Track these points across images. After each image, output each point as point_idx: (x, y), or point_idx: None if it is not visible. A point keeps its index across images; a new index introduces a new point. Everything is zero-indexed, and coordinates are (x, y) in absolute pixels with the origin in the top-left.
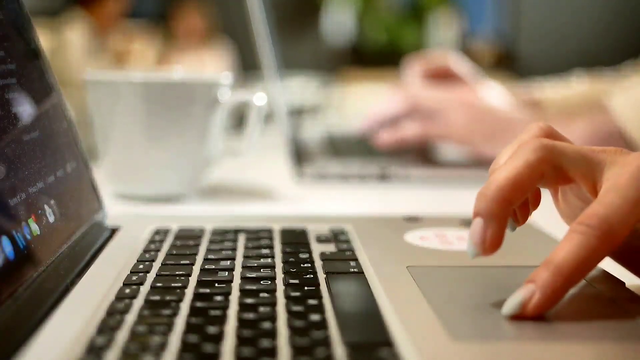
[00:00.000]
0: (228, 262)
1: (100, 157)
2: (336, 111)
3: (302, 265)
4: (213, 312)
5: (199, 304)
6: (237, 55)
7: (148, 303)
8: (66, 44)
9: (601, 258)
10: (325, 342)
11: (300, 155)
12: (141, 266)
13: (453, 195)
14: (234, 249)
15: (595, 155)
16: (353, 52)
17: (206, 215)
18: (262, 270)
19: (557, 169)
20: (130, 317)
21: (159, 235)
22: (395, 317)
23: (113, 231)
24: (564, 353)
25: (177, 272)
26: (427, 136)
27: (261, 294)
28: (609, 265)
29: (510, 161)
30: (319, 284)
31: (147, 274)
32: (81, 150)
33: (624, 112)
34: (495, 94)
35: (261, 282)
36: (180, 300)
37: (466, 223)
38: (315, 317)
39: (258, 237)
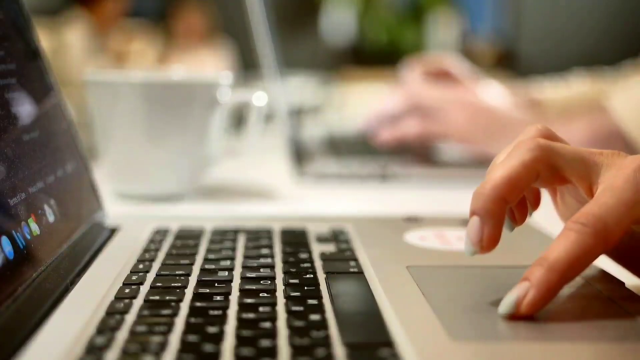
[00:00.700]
0: (228, 262)
1: (100, 157)
2: (336, 111)
3: (302, 265)
4: (213, 312)
5: (198, 304)
6: (237, 54)
7: (148, 303)
8: (66, 45)
9: (595, 257)
10: (325, 342)
11: (300, 154)
12: (141, 266)
13: (453, 195)
14: (233, 249)
15: (592, 157)
16: (353, 52)
17: (206, 215)
18: (262, 270)
19: (552, 169)
20: (130, 317)
21: (159, 235)
22: (394, 317)
23: (113, 231)
24: (564, 353)
25: (177, 272)
26: (428, 134)
27: (261, 294)
28: (608, 265)
29: (506, 160)
30: (318, 284)
31: (147, 274)
32: (81, 150)
33: (623, 113)
34: (494, 93)
35: (261, 282)
36: (180, 300)
37: (466, 223)
38: (315, 317)
39: (258, 237)
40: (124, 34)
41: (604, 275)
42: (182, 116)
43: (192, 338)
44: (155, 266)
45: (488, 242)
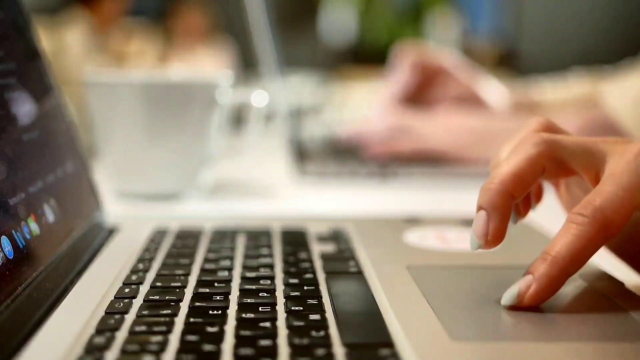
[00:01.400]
0: (228, 262)
1: (100, 156)
2: (337, 110)
3: (301, 265)
4: (212, 312)
5: (198, 304)
6: (238, 54)
7: (147, 302)
8: (66, 46)
9: (598, 247)
10: (325, 342)
11: (300, 154)
12: (141, 266)
13: (453, 195)
14: (233, 249)
15: (596, 146)
16: (353, 51)
17: (206, 214)
18: (261, 270)
19: (558, 162)
20: (130, 317)
21: (159, 234)
22: (394, 317)
23: (113, 231)
24: (564, 353)
25: (176, 272)
26: (420, 151)
27: (261, 294)
28: (607, 265)
29: (512, 156)
30: (318, 284)
31: (147, 274)
32: (80, 149)
33: (617, 105)
34: (492, 91)
35: (261, 281)
36: (179, 299)
37: (466, 223)
38: (314, 316)
39: (258, 237)
40: (124, 33)
41: (604, 275)
42: (182, 116)
43: (191, 338)
44: (155, 266)
45: (494, 236)
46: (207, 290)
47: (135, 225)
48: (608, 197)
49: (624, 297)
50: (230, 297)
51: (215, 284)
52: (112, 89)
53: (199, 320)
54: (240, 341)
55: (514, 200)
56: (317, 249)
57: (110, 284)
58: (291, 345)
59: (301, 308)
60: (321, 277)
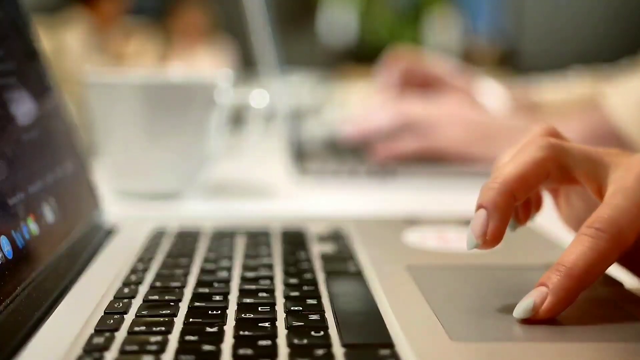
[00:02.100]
0: (227, 262)
1: (100, 156)
2: (337, 109)
3: (301, 265)
4: (212, 312)
5: (197, 304)
6: (239, 53)
7: (147, 303)
8: (65, 47)
9: (612, 261)
10: (324, 342)
11: (300, 153)
12: (140, 266)
13: (453, 195)
14: (233, 249)
15: (600, 157)
16: (353, 50)
17: (206, 214)
18: (261, 270)
19: (562, 169)
20: (129, 317)
21: (159, 234)
22: (394, 318)
23: (112, 231)
24: (563, 353)
25: (176, 272)
26: (425, 151)
27: (260, 294)
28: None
29: (517, 156)
30: (318, 284)
31: (146, 274)
32: (80, 149)
33: (620, 110)
34: (490, 92)
35: (260, 282)
36: (179, 300)
37: (466, 223)
38: (314, 317)
39: (257, 237)
40: (124, 32)
41: (604, 277)
42: (181, 116)
43: (191, 338)
44: (155, 266)
45: (492, 236)
46: (207, 290)
47: (134, 225)
48: (622, 212)
49: (623, 298)
50: (229, 297)
51: (215, 284)
52: (112, 90)
53: (199, 320)
54: (239, 341)
55: (515, 202)
56: (317, 249)
57: (110, 284)
58: (290, 345)
59: (301, 308)
60: (321, 277)
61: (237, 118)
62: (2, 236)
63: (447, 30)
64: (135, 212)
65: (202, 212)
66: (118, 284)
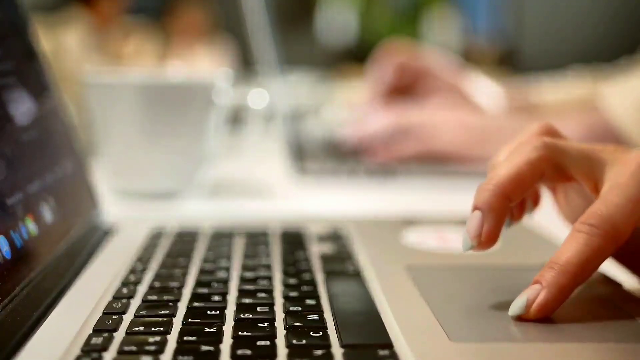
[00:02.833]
0: (226, 262)
1: (100, 155)
2: (336, 109)
3: (300, 265)
4: (210, 312)
5: (196, 304)
6: (239, 52)
7: (146, 303)
8: (64, 46)
9: (606, 257)
10: (323, 343)
11: (299, 153)
12: (139, 266)
13: (452, 195)
14: (232, 249)
15: (596, 154)
16: (353, 50)
17: (205, 214)
18: (260, 270)
19: (558, 168)
20: (128, 317)
21: (157, 234)
22: (393, 318)
23: (111, 231)
24: (563, 353)
25: (174, 272)
26: (424, 154)
27: (259, 294)
28: (605, 266)
29: (511, 158)
30: (317, 284)
31: (145, 274)
32: (79, 149)
33: (619, 112)
34: (483, 90)
35: (259, 282)
36: (177, 300)
37: (465, 223)
38: (313, 317)
39: (256, 237)
40: (123, 32)
41: (602, 277)
42: (180, 116)
43: (189, 338)
44: (153, 266)
45: (487, 238)
46: (206, 290)
47: (133, 225)
48: (617, 208)
49: (622, 298)
50: (228, 297)
51: (214, 284)
52: (111, 90)
53: (197, 320)
54: (238, 342)
55: (510, 203)
56: (316, 250)
57: (108, 284)
58: (289, 345)
59: (300, 308)
60: (320, 277)
61: (237, 118)
62: (1, 236)
63: (446, 30)
64: (134, 212)
65: (201, 212)
66: (117, 284)
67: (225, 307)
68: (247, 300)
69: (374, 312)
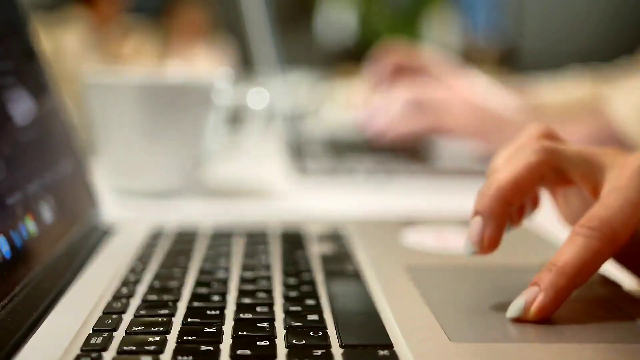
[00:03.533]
0: (225, 262)
1: (99, 154)
2: (336, 108)
3: (300, 265)
4: (210, 312)
5: (196, 304)
6: (239, 51)
7: (145, 302)
8: (64, 46)
9: (604, 260)
10: (323, 343)
11: (299, 153)
12: (138, 266)
13: (452, 195)
14: (231, 249)
15: (596, 157)
16: (353, 49)
17: (204, 214)
18: (260, 270)
19: (557, 172)
20: (128, 317)
21: (157, 234)
22: (393, 318)
23: (111, 230)
24: (562, 354)
25: (174, 272)
26: (432, 130)
27: (259, 294)
28: (605, 267)
29: (511, 162)
30: (317, 285)
31: (145, 274)
32: (78, 149)
33: (624, 115)
34: (482, 87)
35: (259, 282)
36: (177, 300)
37: (465, 224)
38: (312, 317)
39: (256, 237)
40: (122, 31)
41: (602, 278)
42: (179, 116)
43: (189, 338)
44: (153, 266)
45: (489, 243)
46: (205, 290)
47: (133, 225)
48: (615, 211)
49: (621, 299)
50: (228, 297)
51: (213, 284)
52: (111, 90)
53: (197, 320)
54: (238, 342)
55: (510, 207)
56: (316, 250)
57: (108, 284)
58: (289, 345)
59: (299, 309)
60: (319, 277)
61: (237, 118)
62: (0, 236)
63: (446, 30)
64: (134, 212)
65: (200, 212)
66: (116, 284)
67: (225, 307)
68: (246, 300)
69: (373, 313)
